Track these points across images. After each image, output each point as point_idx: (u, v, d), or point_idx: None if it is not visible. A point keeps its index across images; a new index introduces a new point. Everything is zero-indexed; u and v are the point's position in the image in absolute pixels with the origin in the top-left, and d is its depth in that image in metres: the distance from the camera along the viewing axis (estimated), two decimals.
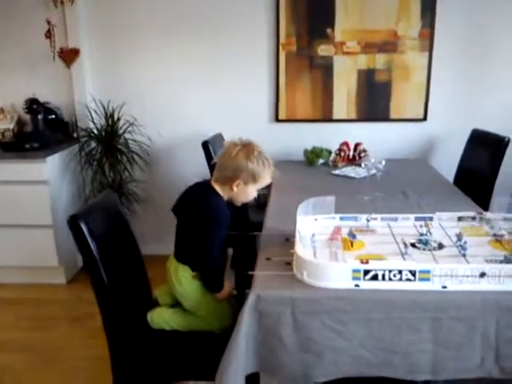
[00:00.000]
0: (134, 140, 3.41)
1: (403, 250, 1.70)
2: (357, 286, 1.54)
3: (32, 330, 2.89)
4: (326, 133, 3.46)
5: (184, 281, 1.83)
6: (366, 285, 1.54)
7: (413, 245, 1.77)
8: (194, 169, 3.35)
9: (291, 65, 3.39)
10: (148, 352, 1.86)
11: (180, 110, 3.53)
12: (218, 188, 1.83)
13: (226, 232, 1.85)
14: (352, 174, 2.90)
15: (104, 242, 1.79)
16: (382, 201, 2.42)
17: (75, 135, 3.51)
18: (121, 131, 3.37)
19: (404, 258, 1.66)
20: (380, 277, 1.54)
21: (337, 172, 2.99)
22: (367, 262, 1.56)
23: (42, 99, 3.39)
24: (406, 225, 1.95)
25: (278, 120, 3.50)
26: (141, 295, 2.02)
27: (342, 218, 2.02)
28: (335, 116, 3.47)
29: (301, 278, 1.62)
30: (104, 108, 3.35)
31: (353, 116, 3.47)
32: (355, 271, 1.55)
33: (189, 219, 1.83)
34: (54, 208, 3.23)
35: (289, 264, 1.72)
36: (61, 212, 3.27)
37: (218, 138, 3.27)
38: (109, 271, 1.76)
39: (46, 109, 3.40)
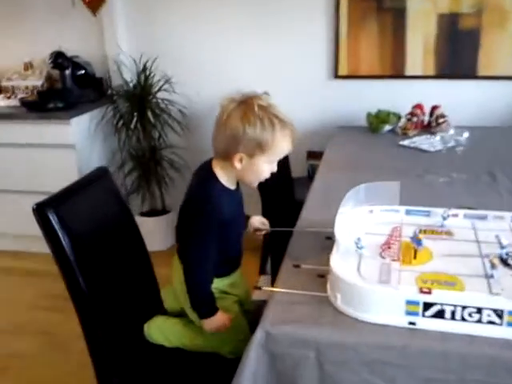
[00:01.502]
0: (169, 100, 3.00)
1: (489, 270, 1.16)
2: (412, 323, 1.08)
3: (51, 312, 2.63)
4: (395, 92, 2.93)
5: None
6: (427, 324, 1.07)
7: (505, 262, 1.23)
8: None
9: (354, 8, 2.85)
10: (141, 373, 1.48)
11: (222, 66, 3.06)
12: (218, 167, 1.36)
13: (230, 231, 1.39)
14: (424, 146, 2.36)
15: (86, 237, 1.44)
16: (462, 185, 1.86)
17: (110, 93, 3.14)
18: (155, 89, 2.96)
19: (489, 285, 1.13)
20: (448, 314, 1.06)
21: (405, 143, 2.47)
22: (429, 292, 1.06)
23: (71, 53, 3.05)
24: (500, 227, 1.39)
25: (337, 76, 3.00)
26: (141, 300, 1.62)
27: (408, 212, 1.50)
28: (408, 72, 2.93)
29: (334, 302, 1.16)
30: (135, 62, 2.93)
31: (430, 72, 2.91)
32: (410, 303, 1.07)
33: (181, 210, 1.40)
34: (82, 175, 2.90)
35: (322, 277, 1.25)
36: None
37: None
38: (89, 273, 1.41)
39: (75, 63, 3.04)
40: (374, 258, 1.28)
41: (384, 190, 1.47)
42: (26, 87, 3.18)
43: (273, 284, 1.29)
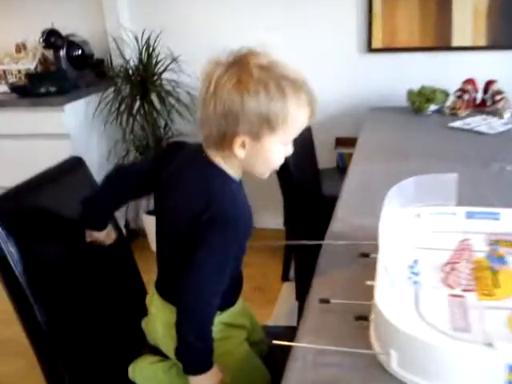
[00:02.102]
0: (175, 81, 2.66)
1: None
2: None
3: None
4: (441, 67, 2.58)
5: (172, 331, 1.00)
6: None
7: None
8: None
9: None
10: None
11: (238, 41, 2.55)
12: (218, 158, 0.97)
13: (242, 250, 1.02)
14: (482, 128, 2.00)
15: (46, 255, 1.10)
16: None
17: (110, 74, 2.81)
18: (160, 69, 2.63)
19: None
20: None
21: (457, 124, 2.10)
22: None
23: (67, 31, 2.72)
24: None
25: (371, 50, 2.66)
26: (125, 333, 1.26)
27: (469, 215, 1.11)
28: (455, 42, 2.56)
29: (386, 363, 0.78)
30: (136, 39, 2.59)
31: (481, 42, 2.54)
32: None
33: (179, 218, 1.00)
34: None
35: (364, 319, 0.87)
36: None
37: None
38: (51, 305, 1.07)
39: (70, 42, 2.71)
40: (437, 286, 0.89)
41: (437, 185, 1.09)
42: (19, 71, 2.87)
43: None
